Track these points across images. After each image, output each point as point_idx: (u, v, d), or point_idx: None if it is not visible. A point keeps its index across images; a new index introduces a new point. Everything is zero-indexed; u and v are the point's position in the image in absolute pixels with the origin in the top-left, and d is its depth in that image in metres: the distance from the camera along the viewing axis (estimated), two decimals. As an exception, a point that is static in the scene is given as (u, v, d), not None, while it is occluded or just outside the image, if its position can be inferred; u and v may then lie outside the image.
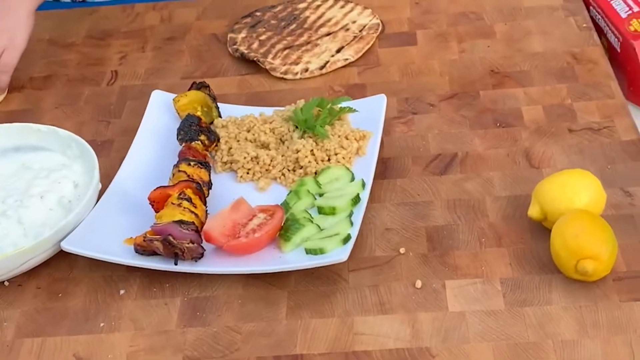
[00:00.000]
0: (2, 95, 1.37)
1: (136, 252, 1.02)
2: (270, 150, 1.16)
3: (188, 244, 0.98)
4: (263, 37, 1.44)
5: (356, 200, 1.05)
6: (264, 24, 1.48)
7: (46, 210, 1.09)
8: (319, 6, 1.51)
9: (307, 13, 1.50)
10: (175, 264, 0.99)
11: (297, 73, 1.36)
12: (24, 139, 1.20)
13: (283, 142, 1.17)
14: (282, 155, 1.14)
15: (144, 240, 1.00)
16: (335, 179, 1.10)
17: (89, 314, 0.99)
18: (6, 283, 1.04)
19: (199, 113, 1.21)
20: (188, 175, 1.07)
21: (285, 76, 1.36)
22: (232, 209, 1.03)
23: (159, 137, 1.21)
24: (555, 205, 0.98)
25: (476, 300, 0.96)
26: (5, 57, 1.32)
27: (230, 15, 1.54)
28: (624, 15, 1.39)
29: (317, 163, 1.12)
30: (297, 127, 1.17)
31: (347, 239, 0.99)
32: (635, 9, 1.39)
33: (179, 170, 1.08)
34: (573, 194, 0.99)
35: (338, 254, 0.97)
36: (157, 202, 1.05)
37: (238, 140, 1.18)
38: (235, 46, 1.43)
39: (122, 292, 1.02)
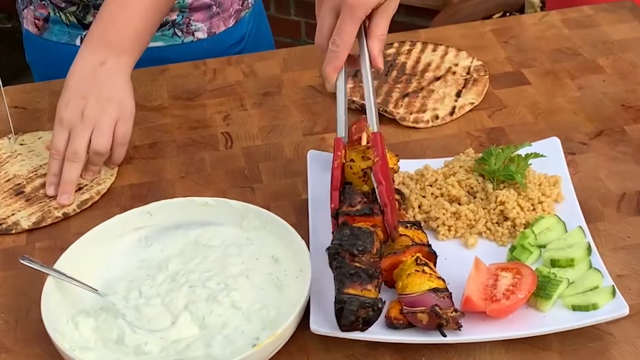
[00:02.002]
0: (115, 169, 1.24)
1: (389, 326, 0.94)
2: (461, 204, 1.10)
3: (452, 312, 0.92)
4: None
5: (589, 249, 1.01)
6: (364, 73, 1.42)
7: (257, 291, 0.99)
8: (409, 51, 1.47)
9: (401, 59, 1.45)
10: (444, 336, 0.92)
11: (427, 121, 1.31)
12: (187, 215, 1.09)
13: (473, 195, 1.12)
14: (484, 208, 1.08)
15: (400, 313, 0.93)
16: (547, 229, 1.05)
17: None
18: (243, 377, 0.93)
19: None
20: (410, 239, 1.00)
21: (417, 125, 1.31)
22: (476, 270, 0.97)
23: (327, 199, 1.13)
24: None
25: None
26: (120, 127, 1.20)
27: (315, 65, 1.47)
28: None
29: (525, 214, 1.07)
30: (484, 178, 1.12)
31: (613, 292, 0.95)
32: None
33: (400, 234, 1.00)
34: None
35: (616, 308, 0.93)
36: (387, 270, 0.98)
37: (424, 196, 1.12)
38: (348, 97, 1.36)
39: (377, 372, 0.93)
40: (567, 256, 1.00)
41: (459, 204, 1.11)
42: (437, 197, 1.12)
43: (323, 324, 0.94)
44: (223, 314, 0.96)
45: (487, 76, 1.39)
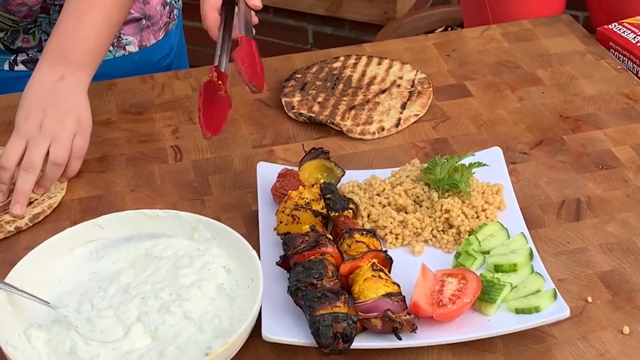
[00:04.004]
0: (65, 183, 1.24)
1: None
2: (407, 212, 1.13)
3: (405, 316, 0.95)
4: (320, 99, 1.41)
5: (531, 254, 1.05)
6: (311, 86, 1.45)
7: (210, 301, 1.00)
8: (355, 64, 1.50)
9: (347, 72, 1.48)
10: (400, 339, 0.95)
11: (374, 132, 1.34)
12: (138, 227, 1.10)
13: (419, 204, 1.15)
14: (429, 217, 1.11)
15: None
16: (491, 236, 1.09)
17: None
18: (197, 387, 0.94)
19: (322, 180, 1.17)
20: (367, 245, 1.03)
21: (363, 137, 1.33)
22: (423, 276, 1.00)
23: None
24: None
25: (688, 337, 0.98)
26: (77, 141, 1.21)
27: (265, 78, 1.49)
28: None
29: (469, 221, 1.11)
30: (430, 187, 1.15)
31: (555, 295, 0.98)
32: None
33: (357, 241, 1.03)
34: None
35: (558, 310, 0.97)
36: (346, 276, 1.01)
37: (373, 205, 1.14)
38: (295, 110, 1.39)
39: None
40: (510, 261, 1.04)
41: (406, 212, 1.13)
42: (384, 206, 1.14)
43: (275, 331, 0.96)
44: (175, 324, 0.97)
45: (431, 89, 1.43)
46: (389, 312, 0.93)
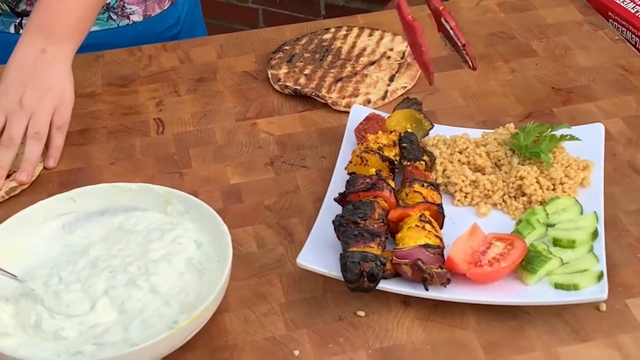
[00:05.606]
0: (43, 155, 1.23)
1: None
2: (484, 174, 1.12)
3: (437, 269, 0.95)
4: (307, 71, 1.38)
5: (595, 234, 1.01)
6: (299, 58, 1.42)
7: (178, 275, 0.99)
8: (345, 36, 1.47)
9: (337, 44, 1.45)
10: (427, 289, 0.95)
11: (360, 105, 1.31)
12: (111, 201, 1.09)
13: (499, 167, 1.13)
14: (503, 181, 1.10)
15: (391, 264, 0.96)
16: (562, 210, 1.05)
17: (272, 384, 0.91)
18: (160, 361, 0.93)
19: (409, 130, 1.17)
20: (423, 197, 1.03)
21: (349, 110, 1.31)
22: (470, 235, 0.99)
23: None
24: None
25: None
26: (58, 115, 1.20)
27: (252, 51, 1.47)
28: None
29: (543, 192, 1.08)
30: (514, 152, 1.13)
31: (600, 276, 0.95)
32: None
33: (414, 191, 1.04)
34: None
35: (596, 291, 0.94)
36: (395, 222, 1.01)
37: (451, 162, 1.14)
38: (281, 83, 1.36)
39: (296, 352, 0.94)
40: (569, 237, 1.00)
41: (483, 174, 1.12)
42: (463, 164, 1.14)
43: (309, 260, 0.99)
44: (142, 298, 0.96)
45: (420, 60, 1.40)
46: (420, 262, 0.94)
